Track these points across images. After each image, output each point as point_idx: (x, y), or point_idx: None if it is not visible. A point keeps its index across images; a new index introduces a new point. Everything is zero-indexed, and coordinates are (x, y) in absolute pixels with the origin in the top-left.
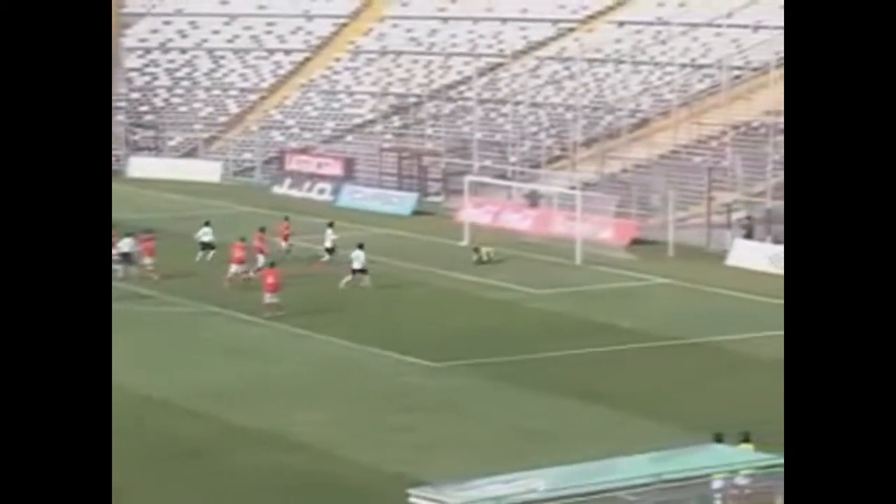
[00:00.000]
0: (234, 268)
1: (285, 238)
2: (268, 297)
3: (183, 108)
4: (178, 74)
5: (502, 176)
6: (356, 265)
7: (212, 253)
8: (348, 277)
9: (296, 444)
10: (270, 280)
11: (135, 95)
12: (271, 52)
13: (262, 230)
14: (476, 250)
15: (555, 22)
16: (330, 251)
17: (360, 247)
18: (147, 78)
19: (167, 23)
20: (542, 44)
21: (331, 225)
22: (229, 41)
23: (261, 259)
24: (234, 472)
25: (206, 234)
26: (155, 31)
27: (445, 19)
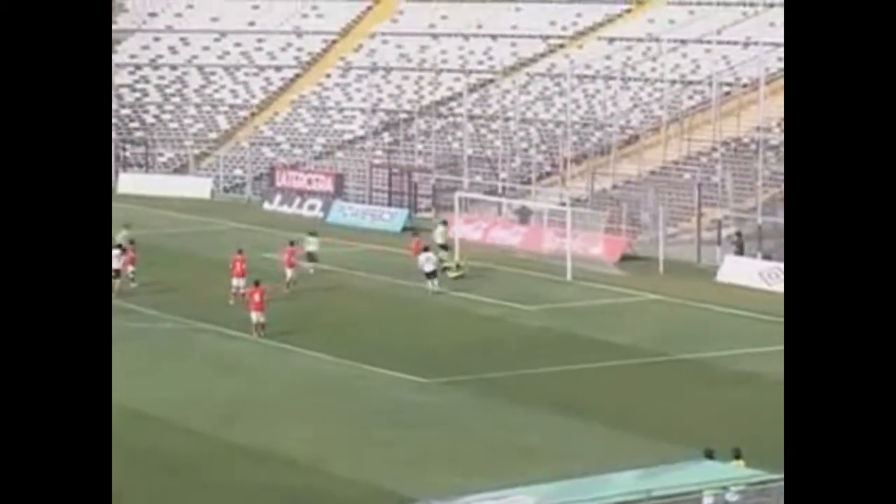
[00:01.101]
0: (235, 281)
1: (417, 251)
2: (255, 316)
3: (173, 125)
4: (169, 91)
5: (492, 192)
6: (428, 268)
7: (312, 265)
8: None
9: (285, 459)
10: (256, 298)
11: (125, 112)
12: (262, 68)
13: (293, 244)
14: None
15: (545, 38)
16: (444, 247)
17: (426, 249)
18: (137, 94)
19: (157, 39)
20: (532, 60)
21: (444, 223)
22: (220, 58)
23: (289, 273)
24: (222, 488)
25: (311, 244)
26: (145, 48)
27: (436, 36)
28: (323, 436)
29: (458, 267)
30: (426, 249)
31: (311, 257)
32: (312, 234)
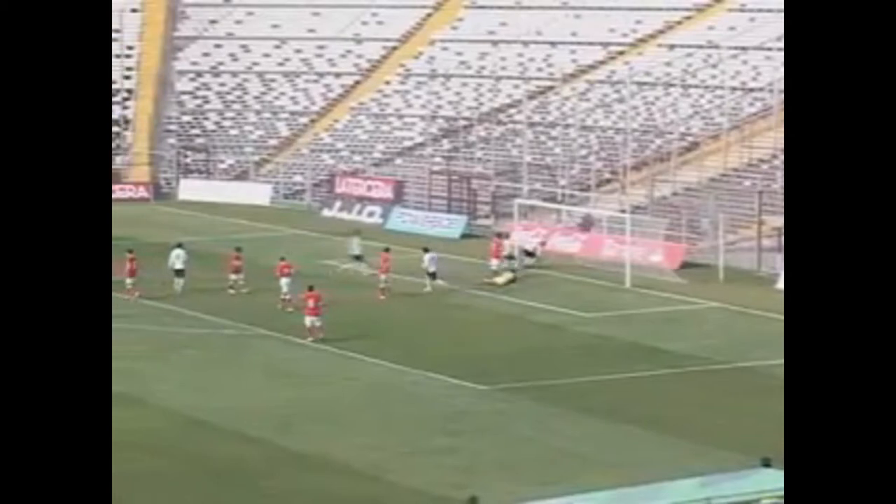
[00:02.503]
0: (284, 287)
1: (496, 256)
2: (309, 321)
3: (234, 131)
4: (230, 97)
5: (552, 199)
6: (432, 268)
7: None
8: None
9: (342, 467)
10: (311, 304)
11: (186, 118)
12: (321, 75)
13: (388, 250)
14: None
15: (605, 45)
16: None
17: (426, 250)
18: (198, 101)
19: (218, 46)
20: (591, 67)
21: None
22: (280, 64)
23: (383, 278)
24: (279, 496)
25: (530, 244)
26: (207, 55)
27: (495, 42)
28: (380, 443)
29: (513, 270)
30: (426, 250)
31: (528, 254)
32: (500, 235)
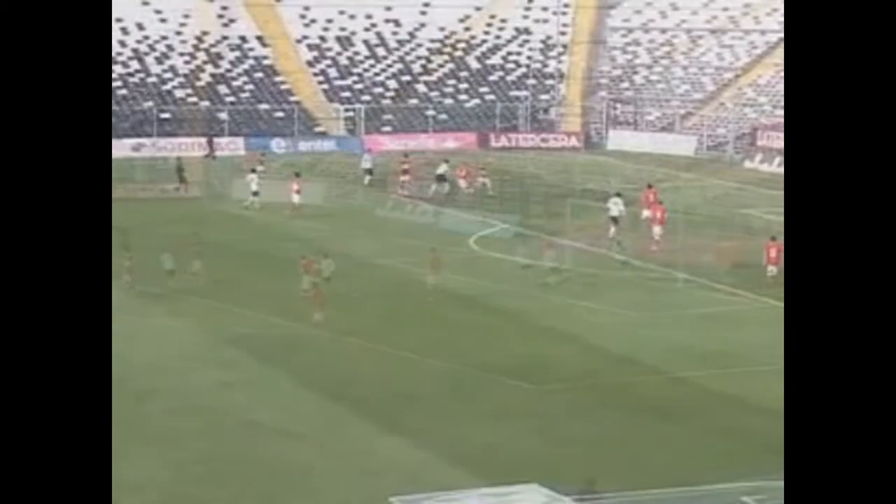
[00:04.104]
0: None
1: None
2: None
3: (661, 86)
4: (658, 53)
5: None
6: None
7: None
8: None
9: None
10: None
11: (616, 73)
12: (747, 32)
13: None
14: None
15: None
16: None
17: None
18: (628, 56)
19: (649, 4)
20: None
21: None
22: (707, 22)
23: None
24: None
25: None
26: (638, 12)
27: None
28: None
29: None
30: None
31: None
32: None
